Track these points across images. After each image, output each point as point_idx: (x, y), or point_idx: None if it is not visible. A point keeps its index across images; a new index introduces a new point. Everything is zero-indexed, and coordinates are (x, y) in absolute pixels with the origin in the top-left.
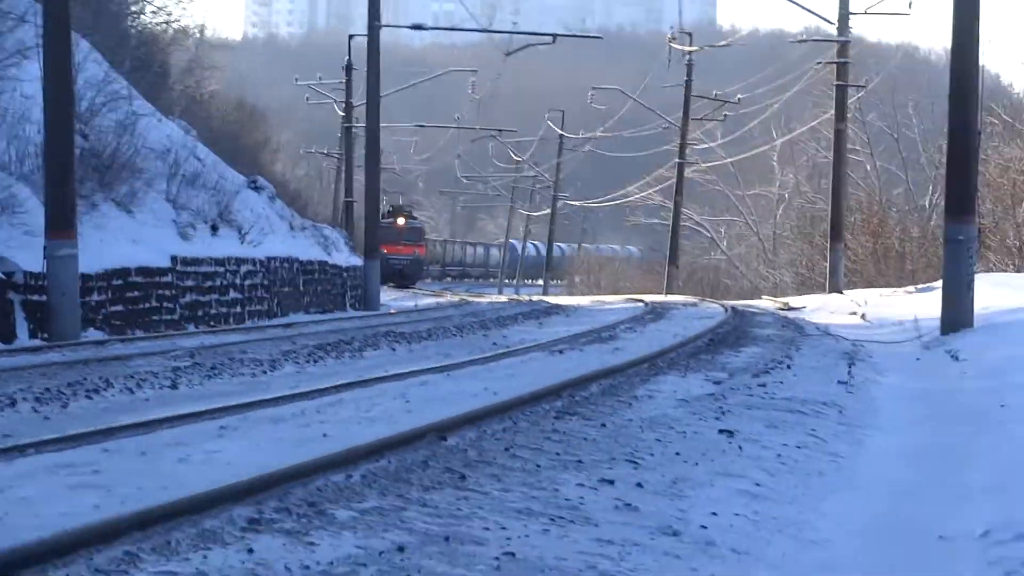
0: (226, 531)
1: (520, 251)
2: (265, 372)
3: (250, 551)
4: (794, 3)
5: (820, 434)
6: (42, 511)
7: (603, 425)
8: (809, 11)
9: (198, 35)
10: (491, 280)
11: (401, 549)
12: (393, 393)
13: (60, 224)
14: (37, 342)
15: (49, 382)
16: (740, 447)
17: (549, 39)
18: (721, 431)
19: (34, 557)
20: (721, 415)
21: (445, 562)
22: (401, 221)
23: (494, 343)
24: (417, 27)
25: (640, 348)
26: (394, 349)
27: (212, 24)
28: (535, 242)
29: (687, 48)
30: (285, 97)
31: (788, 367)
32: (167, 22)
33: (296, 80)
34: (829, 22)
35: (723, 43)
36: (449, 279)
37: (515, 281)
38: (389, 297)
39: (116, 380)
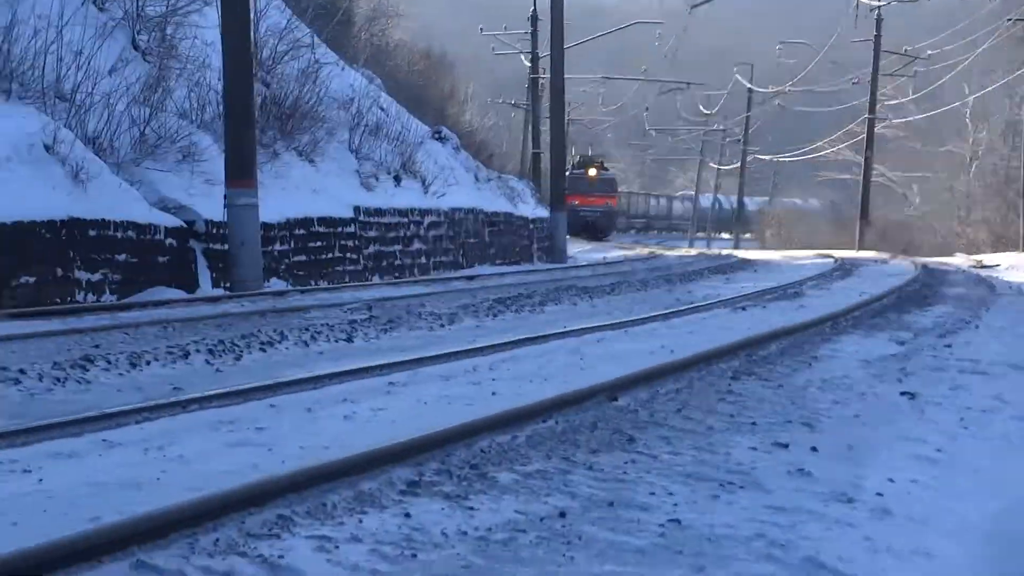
0: (384, 494)
1: (710, 205)
2: (443, 326)
3: (407, 515)
4: None
5: (1007, 397)
6: (199, 469)
7: (780, 386)
8: None
9: None
10: (675, 233)
11: (563, 515)
12: (568, 350)
13: (240, 173)
14: (219, 292)
15: (224, 334)
16: (922, 410)
17: None
18: (903, 393)
19: (185, 520)
20: (904, 377)
21: (608, 529)
22: (592, 172)
23: (677, 299)
24: None
25: (825, 306)
26: (575, 304)
27: None
28: (723, 196)
29: (875, 3)
30: (473, 46)
31: (976, 327)
32: None
33: (481, 30)
34: None
35: None
36: (633, 231)
37: (706, 234)
38: (577, 249)
39: (291, 333)
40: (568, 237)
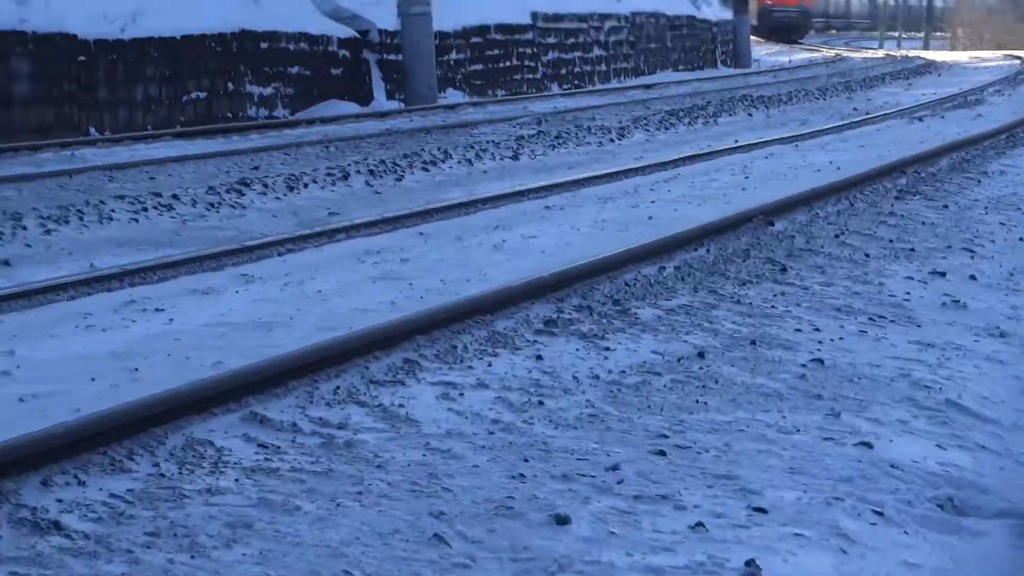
0: (519, 334)
1: (902, 2)
2: (612, 140)
3: (539, 357)
4: None
5: None
6: (335, 307)
7: (945, 207)
8: None
9: None
10: (876, 33)
11: (701, 355)
12: (733, 168)
13: None
14: (393, 104)
15: (387, 152)
16: None
17: None
18: None
19: (308, 366)
20: None
21: (747, 370)
22: None
23: (855, 108)
24: None
25: (1004, 115)
26: (750, 115)
27: None
28: None
29: None
30: None
31: None
32: None
33: None
34: None
35: None
36: (834, 32)
37: (897, 34)
38: (763, 52)
39: (456, 150)
40: (758, 39)
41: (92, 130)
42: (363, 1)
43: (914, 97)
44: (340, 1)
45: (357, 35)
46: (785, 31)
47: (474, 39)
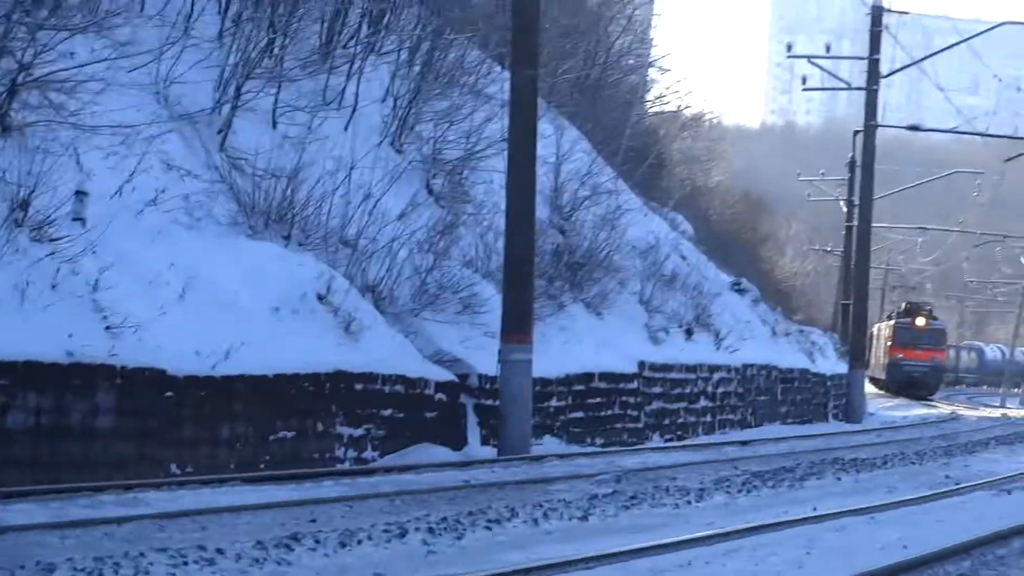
0: None
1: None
2: (690, 503)
3: None
4: None
5: None
6: None
7: None
8: None
9: (711, 122)
10: (987, 388)
11: None
12: (799, 541)
13: (516, 327)
14: (487, 450)
15: (452, 509)
16: None
17: None
18: None
19: None
20: None
21: None
22: (921, 321)
23: (947, 475)
24: (913, 128)
25: None
26: (839, 479)
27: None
28: None
29: None
30: (797, 188)
31: None
32: (679, 108)
33: (799, 175)
34: None
35: None
36: (963, 386)
37: (1020, 391)
38: (882, 406)
39: (524, 508)
40: (879, 393)
41: (173, 467)
42: (467, 345)
43: (1014, 465)
44: (443, 344)
45: (456, 379)
46: (914, 386)
47: (577, 386)
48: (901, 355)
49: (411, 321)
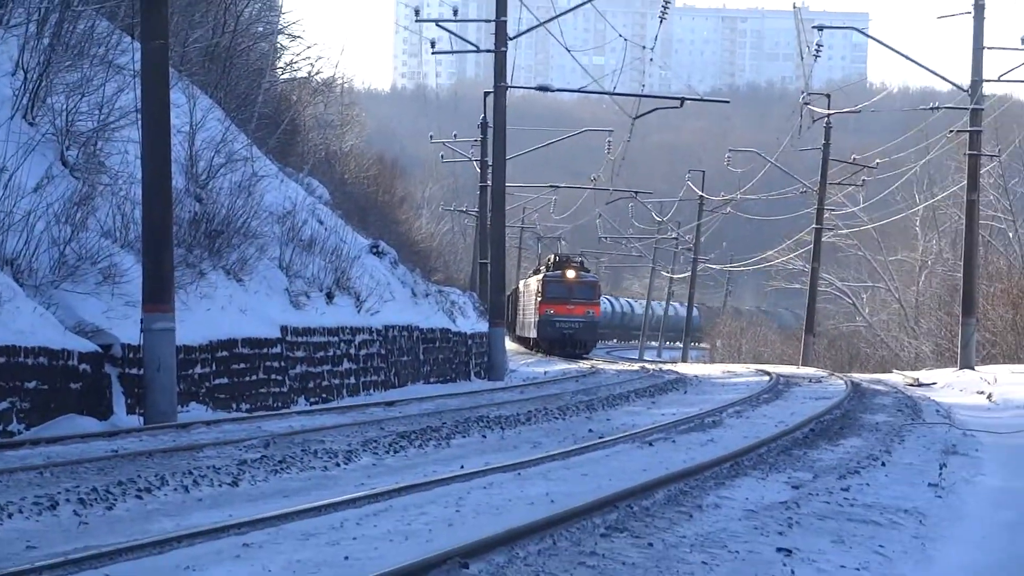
0: None
1: (663, 312)
2: (338, 465)
3: None
4: (922, 67)
5: (888, 551)
6: None
7: (650, 545)
8: (939, 76)
9: (342, 87)
10: (632, 342)
11: None
12: (448, 500)
13: (156, 296)
14: (134, 419)
15: (103, 479)
16: (793, 571)
17: (676, 103)
18: (779, 549)
19: None
20: (787, 528)
21: None
22: (571, 274)
23: (590, 429)
24: (543, 88)
25: (735, 440)
26: (484, 436)
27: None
28: (677, 303)
29: (823, 111)
30: (431, 150)
31: (883, 464)
32: (310, 74)
33: (431, 138)
34: (962, 90)
35: (856, 108)
36: (615, 340)
37: (658, 344)
38: (523, 363)
39: (175, 476)
40: (526, 352)
41: None
42: (110, 315)
43: (653, 417)
44: (85, 315)
45: (99, 349)
46: (569, 343)
47: (221, 353)
48: (552, 311)
49: (52, 293)
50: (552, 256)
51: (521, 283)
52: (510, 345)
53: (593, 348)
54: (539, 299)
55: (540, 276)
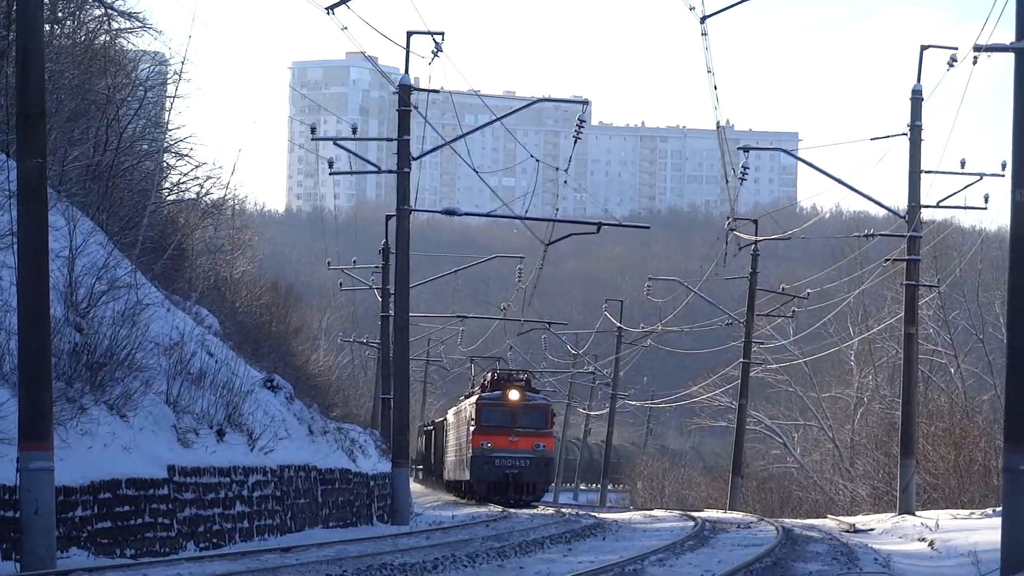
0: None
1: (579, 453)
2: None
3: None
4: (856, 191)
5: None
6: None
7: None
8: (874, 200)
9: (234, 209)
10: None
11: None
12: None
13: (34, 433)
14: (9, 567)
15: None
16: None
17: (592, 228)
18: None
19: None
20: None
21: None
22: (515, 395)
23: None
24: (449, 212)
25: None
26: None
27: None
28: (595, 443)
29: (750, 237)
30: (329, 276)
31: None
32: (198, 195)
33: (329, 264)
34: (899, 215)
35: (786, 234)
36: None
37: (572, 486)
38: (429, 503)
39: None
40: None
41: None
42: None
43: (570, 566)
44: None
45: None
46: (512, 487)
47: (103, 494)
48: (489, 443)
49: None
50: (489, 374)
51: (450, 412)
52: (436, 495)
53: (544, 493)
54: (472, 428)
55: (474, 399)
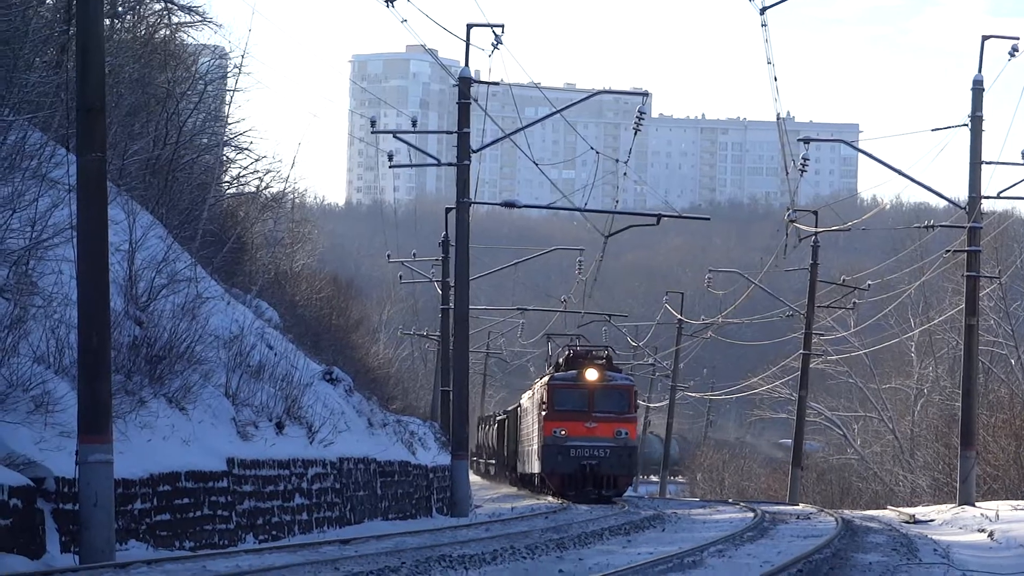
0: None
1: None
2: None
3: None
4: (916, 183)
5: None
6: None
7: None
8: (934, 192)
9: (293, 202)
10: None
11: None
12: None
13: (93, 426)
14: (68, 559)
15: None
16: None
17: (652, 220)
18: None
19: None
20: None
21: None
22: (592, 375)
23: (560, 570)
24: (509, 205)
25: None
26: None
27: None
28: (656, 434)
29: (810, 229)
30: (389, 270)
31: None
32: (258, 189)
33: (389, 257)
34: (959, 206)
35: (846, 225)
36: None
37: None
38: (489, 496)
39: None
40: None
41: None
42: (42, 446)
43: (629, 557)
44: (15, 446)
45: (31, 483)
46: (591, 481)
47: (163, 487)
48: (563, 431)
49: None
50: (565, 351)
51: (524, 397)
52: (497, 489)
53: (627, 488)
54: (543, 414)
55: (545, 379)
